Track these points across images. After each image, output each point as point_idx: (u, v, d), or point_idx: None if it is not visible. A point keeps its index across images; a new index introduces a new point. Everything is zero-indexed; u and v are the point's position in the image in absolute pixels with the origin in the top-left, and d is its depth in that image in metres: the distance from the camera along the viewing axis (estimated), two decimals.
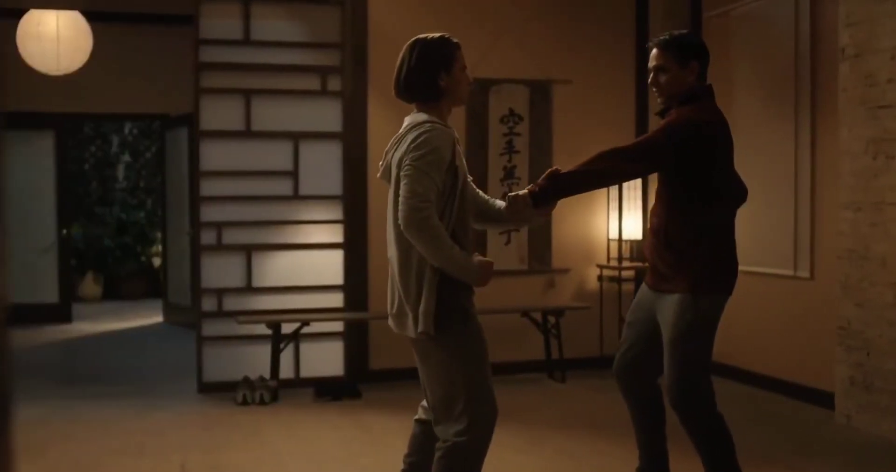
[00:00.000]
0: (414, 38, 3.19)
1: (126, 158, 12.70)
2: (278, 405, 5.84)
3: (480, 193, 3.41)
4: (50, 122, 9.74)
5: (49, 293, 9.82)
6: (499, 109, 6.76)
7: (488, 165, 6.72)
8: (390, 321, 3.21)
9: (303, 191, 6.44)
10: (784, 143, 5.92)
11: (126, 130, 12.62)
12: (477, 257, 3.08)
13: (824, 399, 5.52)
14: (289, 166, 6.43)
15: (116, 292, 12.15)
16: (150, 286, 11.99)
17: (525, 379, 6.61)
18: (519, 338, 6.77)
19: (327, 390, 6.04)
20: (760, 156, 6.14)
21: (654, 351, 3.69)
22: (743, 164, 6.23)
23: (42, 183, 9.80)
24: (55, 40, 7.65)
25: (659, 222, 3.67)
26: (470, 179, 3.32)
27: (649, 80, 3.64)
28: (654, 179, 3.84)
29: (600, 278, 6.91)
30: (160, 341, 8.73)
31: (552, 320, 6.62)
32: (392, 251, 3.15)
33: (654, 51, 3.61)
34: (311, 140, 6.45)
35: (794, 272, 5.87)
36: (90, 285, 12.07)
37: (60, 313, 9.82)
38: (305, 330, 6.29)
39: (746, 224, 6.23)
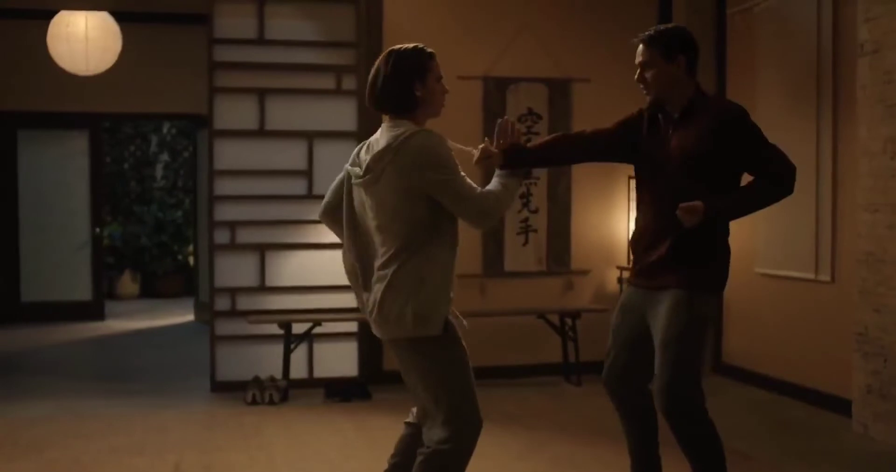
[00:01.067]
0: (389, 49, 3.14)
1: (164, 157, 12.84)
2: (287, 406, 5.82)
3: None
4: (84, 121, 9.86)
5: (83, 291, 9.95)
6: (517, 108, 6.66)
7: None
8: (373, 327, 3.14)
9: (317, 190, 6.41)
10: (806, 141, 5.74)
11: (164, 130, 12.75)
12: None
13: (844, 407, 5.34)
14: (303, 166, 6.41)
15: (153, 291, 12.30)
16: (187, 285, 12.10)
17: (541, 382, 6.51)
18: (537, 341, 6.67)
19: (337, 391, 6.01)
20: None
21: (644, 356, 3.58)
22: None
23: (76, 182, 9.94)
24: (84, 41, 7.73)
25: (660, 218, 3.54)
26: None
27: (636, 76, 3.53)
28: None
29: (620, 279, 6.77)
30: (187, 339, 8.78)
31: (569, 322, 6.51)
32: (375, 257, 3.10)
33: (640, 46, 3.50)
34: (326, 139, 6.42)
35: (815, 276, 5.69)
36: (128, 283, 12.23)
37: (94, 310, 9.94)
38: (319, 330, 6.27)
39: (766, 226, 6.10)
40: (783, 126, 5.96)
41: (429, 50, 3.13)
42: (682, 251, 3.46)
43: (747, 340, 6.46)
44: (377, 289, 3.04)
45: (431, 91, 3.10)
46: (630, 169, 6.96)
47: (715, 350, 6.78)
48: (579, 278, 6.80)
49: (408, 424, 3.26)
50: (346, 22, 6.45)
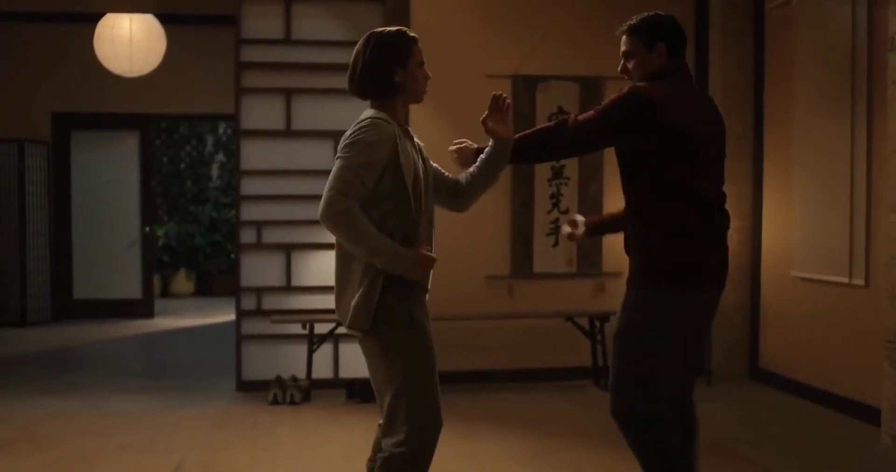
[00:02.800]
0: (369, 32, 3.07)
1: (220, 157, 13.00)
2: (307, 406, 5.81)
3: (448, 175, 3.27)
4: (135, 122, 10.04)
5: (133, 289, 10.13)
6: (547, 107, 6.54)
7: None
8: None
9: None
10: (840, 139, 5.52)
11: (220, 130, 12.92)
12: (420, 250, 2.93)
13: (877, 417, 5.10)
14: (330, 165, 6.31)
15: (207, 289, 12.48)
16: None
17: (569, 386, 6.39)
18: (567, 344, 6.54)
19: (358, 392, 5.97)
20: (817, 153, 5.76)
21: None
22: (800, 162, 5.89)
23: (128, 182, 10.13)
24: (128, 43, 7.88)
25: (625, 211, 3.43)
26: (435, 166, 3.19)
27: (619, 68, 3.40)
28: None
29: None
30: (229, 337, 8.82)
31: (598, 325, 6.38)
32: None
33: (623, 37, 3.37)
34: None
35: (849, 280, 5.46)
36: (182, 282, 12.43)
37: (143, 308, 10.11)
38: (345, 330, 6.23)
39: (802, 228, 5.88)
40: (819, 123, 5.76)
41: (411, 34, 3.04)
42: (627, 244, 3.33)
43: (783, 345, 6.24)
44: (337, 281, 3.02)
45: (412, 77, 3.01)
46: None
47: (751, 355, 6.57)
48: (611, 280, 6.64)
49: (381, 425, 3.20)
50: (373, 21, 6.39)
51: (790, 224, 6.09)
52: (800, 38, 5.99)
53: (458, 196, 3.25)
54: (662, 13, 3.38)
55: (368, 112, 2.99)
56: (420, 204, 3.00)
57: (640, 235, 3.27)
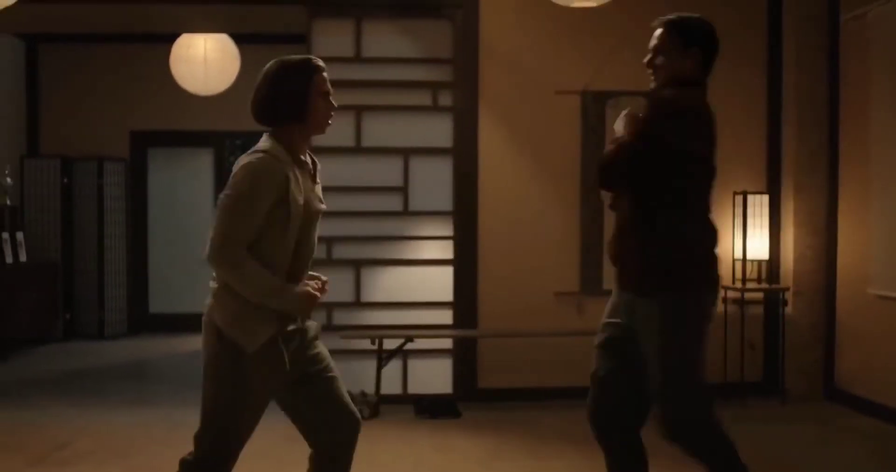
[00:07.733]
0: (277, 59, 3.00)
1: None
2: (375, 421, 5.83)
3: None
4: (210, 139, 10.26)
5: None
6: None
7: None
8: None
9: (413, 207, 6.44)
10: None
11: None
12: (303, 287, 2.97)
13: None
14: (399, 182, 6.45)
15: None
16: None
17: None
18: None
19: (426, 408, 5.99)
20: (895, 167, 5.61)
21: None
22: (877, 176, 5.76)
23: (202, 198, 10.32)
24: (202, 62, 8.06)
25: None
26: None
27: (646, 59, 3.34)
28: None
29: (724, 300, 6.49)
30: None
31: None
32: None
33: (657, 30, 3.32)
34: (422, 156, 6.43)
35: None
36: None
37: None
38: (414, 347, 6.27)
39: (880, 245, 5.74)
40: None
41: (317, 63, 2.99)
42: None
43: (860, 365, 6.09)
44: None
45: (313, 107, 2.95)
46: (737, 183, 6.66)
47: (826, 374, 6.42)
48: None
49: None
50: (443, 38, 6.46)
51: (867, 240, 5.95)
52: (875, 49, 5.87)
53: None
54: (704, 18, 3.32)
55: (261, 144, 2.93)
56: (307, 239, 3.03)
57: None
